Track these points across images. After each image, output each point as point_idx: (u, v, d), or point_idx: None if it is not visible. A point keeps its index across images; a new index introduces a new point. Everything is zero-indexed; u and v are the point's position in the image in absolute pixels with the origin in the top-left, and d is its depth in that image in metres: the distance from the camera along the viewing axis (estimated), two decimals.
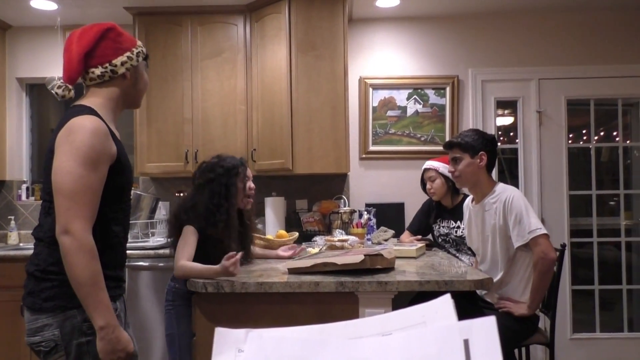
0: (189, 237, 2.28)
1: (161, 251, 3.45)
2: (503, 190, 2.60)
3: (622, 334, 4.05)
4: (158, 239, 3.76)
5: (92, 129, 1.51)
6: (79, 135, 1.49)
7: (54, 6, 3.80)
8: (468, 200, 2.88)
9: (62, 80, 1.64)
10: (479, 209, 2.69)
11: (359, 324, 0.52)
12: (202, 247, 2.30)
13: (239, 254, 2.04)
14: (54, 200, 1.50)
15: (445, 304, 0.50)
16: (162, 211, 3.99)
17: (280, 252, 2.80)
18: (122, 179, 1.62)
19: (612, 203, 4.25)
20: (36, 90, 4.45)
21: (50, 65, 4.15)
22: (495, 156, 2.72)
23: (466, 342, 0.45)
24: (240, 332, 0.53)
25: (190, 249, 2.24)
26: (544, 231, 2.46)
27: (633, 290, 4.15)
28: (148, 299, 3.44)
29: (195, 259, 2.21)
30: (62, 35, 4.08)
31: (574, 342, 4.01)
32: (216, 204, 2.33)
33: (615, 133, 4.25)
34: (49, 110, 4.56)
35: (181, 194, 4.06)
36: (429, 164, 3.38)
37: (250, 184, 2.49)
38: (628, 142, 4.24)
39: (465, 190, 3.20)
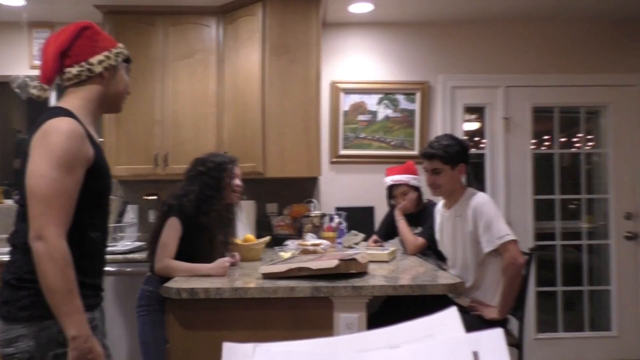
0: (172, 234, 2.36)
1: (130, 256, 3.39)
2: (473, 196, 2.64)
3: (583, 333, 4.19)
4: (126, 243, 3.69)
5: (68, 131, 1.47)
6: (54, 137, 1.46)
7: (21, 2, 3.67)
8: (440, 205, 2.92)
9: (37, 81, 1.60)
10: (451, 214, 2.73)
11: (367, 337, 0.53)
12: (188, 235, 2.39)
13: (237, 259, 2.33)
14: (28, 205, 1.45)
15: (452, 316, 0.51)
16: (131, 215, 3.92)
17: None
18: (99, 183, 1.58)
19: (572, 207, 4.38)
20: None
21: (15, 64, 4.01)
22: (469, 164, 2.75)
23: (475, 354, 0.46)
24: (247, 347, 0.53)
25: (174, 247, 2.35)
26: (512, 237, 2.51)
27: (594, 291, 4.29)
28: (114, 304, 3.36)
29: (179, 248, 2.34)
30: (28, 32, 3.96)
31: (538, 342, 4.11)
32: (209, 194, 2.46)
33: (576, 139, 4.38)
34: (12, 109, 4.43)
35: (150, 197, 3.99)
36: (397, 179, 3.30)
37: (237, 181, 2.63)
38: (587, 147, 4.37)
39: (428, 195, 3.22)
